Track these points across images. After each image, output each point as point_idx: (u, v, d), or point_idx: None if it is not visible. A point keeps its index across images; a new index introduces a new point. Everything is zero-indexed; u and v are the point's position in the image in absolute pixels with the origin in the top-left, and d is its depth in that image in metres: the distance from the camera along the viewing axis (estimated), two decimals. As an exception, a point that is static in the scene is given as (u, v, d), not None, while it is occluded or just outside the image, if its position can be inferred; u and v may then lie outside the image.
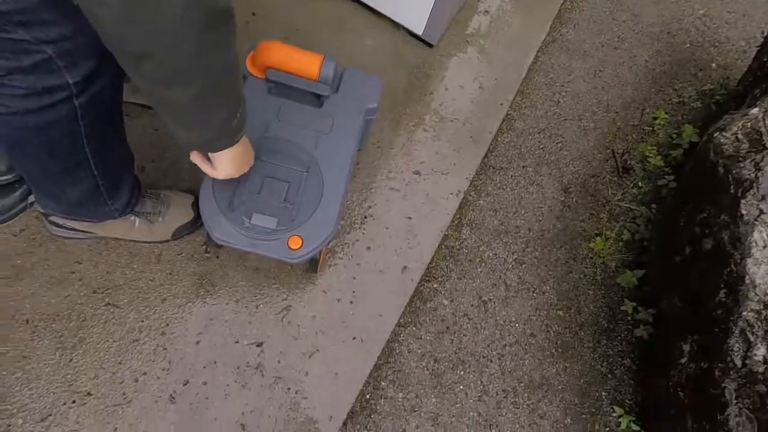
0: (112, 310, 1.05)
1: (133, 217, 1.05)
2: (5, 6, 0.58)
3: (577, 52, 1.78)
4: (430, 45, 1.57)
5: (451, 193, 1.39)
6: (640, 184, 1.61)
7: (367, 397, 1.16)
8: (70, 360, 1.00)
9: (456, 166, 1.42)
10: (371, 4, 1.54)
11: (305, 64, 1.04)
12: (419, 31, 1.53)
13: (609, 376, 1.33)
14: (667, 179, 1.57)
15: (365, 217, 1.29)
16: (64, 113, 0.72)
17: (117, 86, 0.79)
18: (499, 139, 1.56)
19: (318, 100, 1.08)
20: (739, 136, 1.15)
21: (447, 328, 1.28)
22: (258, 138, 1.03)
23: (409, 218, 1.32)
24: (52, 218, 1.03)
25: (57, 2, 0.61)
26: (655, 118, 1.71)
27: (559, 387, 1.28)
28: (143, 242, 1.11)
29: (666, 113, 1.71)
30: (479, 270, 1.37)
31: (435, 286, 1.32)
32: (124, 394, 0.99)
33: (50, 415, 0.95)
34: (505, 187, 1.50)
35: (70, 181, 0.86)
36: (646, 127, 1.71)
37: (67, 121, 0.73)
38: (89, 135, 0.78)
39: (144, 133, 1.24)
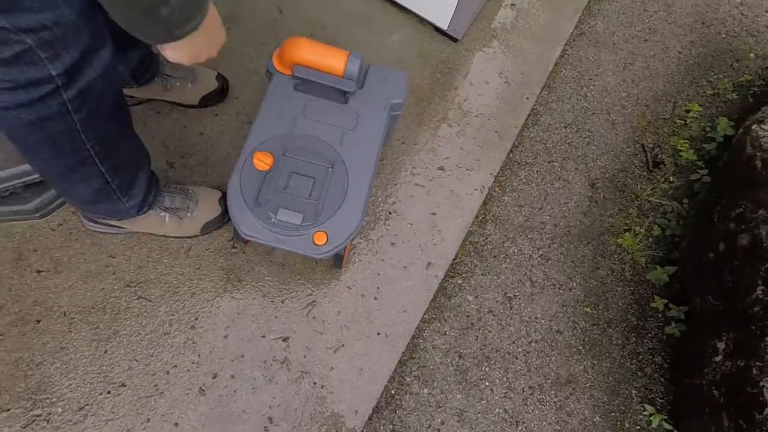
0: (143, 303, 1.07)
1: (162, 213, 1.06)
2: None
3: (606, 45, 1.71)
4: (455, 40, 1.53)
5: (476, 189, 1.35)
6: (671, 178, 1.54)
7: (392, 392, 1.14)
8: (105, 352, 1.01)
9: (480, 161, 1.39)
10: (397, 0, 1.52)
11: (331, 60, 1.03)
12: (444, 26, 1.50)
13: (639, 373, 1.28)
14: (700, 173, 1.49)
15: (390, 213, 1.27)
16: (56, 108, 0.70)
17: (110, 81, 0.77)
18: (524, 134, 1.52)
19: (343, 96, 1.06)
20: (781, 128, 1.08)
21: (472, 324, 1.25)
22: (284, 134, 1.02)
23: (434, 214, 1.29)
24: (86, 213, 1.04)
25: None
26: (687, 111, 1.63)
27: (587, 384, 1.24)
28: (173, 237, 1.12)
29: (699, 106, 1.63)
30: (504, 266, 1.34)
31: (459, 282, 1.29)
32: (156, 385, 1.00)
33: (87, 404, 0.97)
34: (530, 182, 1.46)
35: (79, 178, 0.85)
36: (678, 121, 1.63)
37: (60, 116, 0.72)
38: (87, 131, 0.77)
39: (173, 130, 1.25)
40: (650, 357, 1.30)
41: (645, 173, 1.54)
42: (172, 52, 0.68)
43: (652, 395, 1.26)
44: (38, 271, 1.05)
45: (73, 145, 0.78)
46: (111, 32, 0.99)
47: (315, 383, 1.06)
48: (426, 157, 1.36)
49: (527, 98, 1.52)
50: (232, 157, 1.24)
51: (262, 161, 0.98)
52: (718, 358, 1.11)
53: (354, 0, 1.52)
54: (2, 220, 1.07)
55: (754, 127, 1.14)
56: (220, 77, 1.28)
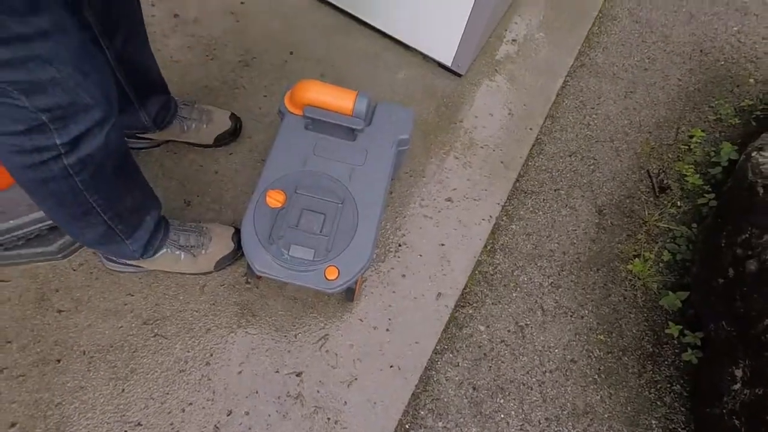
0: (160, 340, 1.07)
1: (177, 251, 1.07)
2: (19, 76, 0.61)
3: (607, 75, 1.73)
4: (459, 75, 1.56)
5: (483, 219, 1.35)
6: (678, 203, 1.52)
7: (407, 426, 1.12)
8: (122, 390, 1.01)
9: (487, 192, 1.39)
10: (402, 39, 1.56)
11: (340, 100, 1.05)
12: (448, 63, 1.53)
13: (658, 403, 1.23)
14: (707, 197, 1.48)
15: (399, 245, 1.27)
16: (57, 171, 0.73)
17: (111, 150, 0.80)
18: (530, 163, 1.52)
19: (352, 133, 1.08)
20: (782, 155, 1.07)
21: (484, 354, 1.23)
22: (296, 172, 1.04)
23: (442, 245, 1.29)
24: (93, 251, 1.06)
25: (61, 76, 0.64)
26: (691, 137, 1.63)
27: (605, 415, 1.20)
28: (188, 274, 1.13)
29: (702, 131, 1.63)
30: (514, 295, 1.32)
31: (470, 312, 1.28)
32: (171, 424, 0.99)
33: (104, 443, 0.96)
34: (537, 210, 1.45)
35: (84, 224, 0.87)
36: (682, 146, 1.62)
37: (62, 178, 0.75)
38: (89, 189, 0.79)
39: (190, 170, 1.28)
40: (668, 385, 1.26)
41: (652, 199, 1.53)
42: None
43: (674, 425, 1.21)
44: (59, 311, 1.06)
45: (76, 200, 0.80)
46: (134, 86, 1.04)
47: (329, 418, 1.04)
48: (434, 189, 1.37)
49: (531, 129, 1.53)
50: (245, 194, 1.26)
51: (275, 199, 0.99)
52: (736, 386, 1.07)
53: (361, 41, 1.57)
54: (27, 261, 1.09)
55: (754, 154, 1.13)
56: (234, 117, 1.31)
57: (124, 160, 0.88)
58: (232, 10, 1.54)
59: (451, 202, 1.36)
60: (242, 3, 1.56)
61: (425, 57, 1.57)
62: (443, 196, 1.36)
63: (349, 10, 1.56)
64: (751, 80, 1.77)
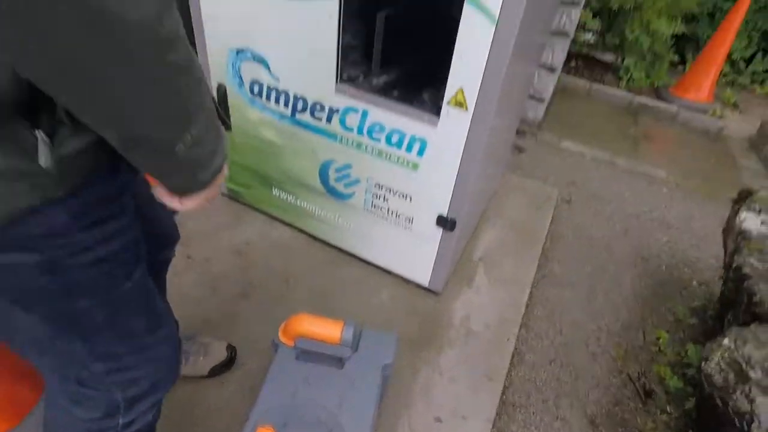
0: None
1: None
2: (125, 377, 0.70)
3: (566, 284, 1.88)
4: (436, 293, 1.69)
5: (476, 439, 1.28)
6: (667, 408, 1.48)
7: None
8: None
9: (475, 407, 1.35)
10: (384, 266, 1.73)
11: (328, 330, 1.12)
12: (425, 283, 1.67)
13: None
14: (692, 401, 1.44)
15: (392, 477, 1.17)
16: None
17: (154, 420, 0.84)
18: (512, 374, 1.52)
19: (340, 361, 1.12)
20: (723, 366, 1.12)
21: None
22: (286, 404, 1.03)
23: (437, 473, 1.19)
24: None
25: (156, 373, 0.74)
26: (658, 338, 1.68)
27: None
28: None
29: (666, 332, 1.69)
30: None
31: None
32: None
33: None
34: (529, 425, 1.39)
35: None
36: (653, 347, 1.66)
37: None
38: None
39: (182, 403, 1.25)
40: None
41: (640, 405, 1.49)
42: (191, 202, 0.59)
43: None
44: None
45: None
46: None
47: None
48: (421, 408, 1.33)
49: (509, 339, 1.58)
50: (238, 424, 1.21)
51: (263, 436, 0.96)
52: None
53: (348, 269, 1.74)
54: None
55: (703, 365, 1.17)
56: (229, 347, 1.35)
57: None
58: (239, 251, 1.74)
59: (440, 422, 1.30)
60: (247, 244, 1.77)
61: (405, 280, 1.72)
62: (431, 415, 1.32)
63: (337, 245, 1.78)
64: (694, 282, 1.93)
